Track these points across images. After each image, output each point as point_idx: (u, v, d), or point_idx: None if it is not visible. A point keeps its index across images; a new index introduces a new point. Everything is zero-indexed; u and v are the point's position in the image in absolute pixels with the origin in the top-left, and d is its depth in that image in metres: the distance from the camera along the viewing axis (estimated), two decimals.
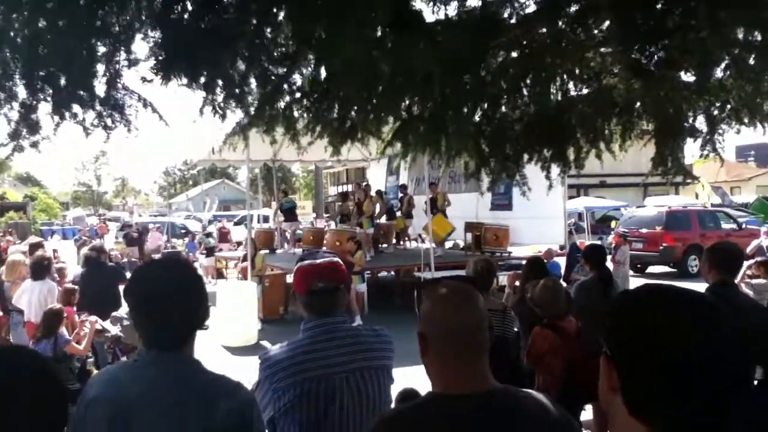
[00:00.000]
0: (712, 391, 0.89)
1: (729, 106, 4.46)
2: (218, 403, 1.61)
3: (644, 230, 16.92)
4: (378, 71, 3.33)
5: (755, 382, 2.22)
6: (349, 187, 24.27)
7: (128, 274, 9.38)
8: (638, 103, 4.64)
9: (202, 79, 3.48)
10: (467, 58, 3.35)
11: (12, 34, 3.12)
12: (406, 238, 16.03)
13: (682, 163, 5.11)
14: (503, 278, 7.88)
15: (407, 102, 4.15)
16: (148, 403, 1.57)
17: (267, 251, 14.07)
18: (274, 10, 3.37)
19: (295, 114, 4.09)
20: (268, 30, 3.46)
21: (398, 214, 15.11)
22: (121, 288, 6.81)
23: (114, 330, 6.39)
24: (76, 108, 3.43)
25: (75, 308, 6.50)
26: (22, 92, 3.31)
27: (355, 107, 4.07)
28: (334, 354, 2.03)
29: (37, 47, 3.08)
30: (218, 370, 1.74)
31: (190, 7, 3.27)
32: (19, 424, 1.13)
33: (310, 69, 3.67)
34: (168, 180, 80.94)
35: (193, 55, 3.22)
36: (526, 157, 5.08)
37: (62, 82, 3.29)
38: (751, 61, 3.61)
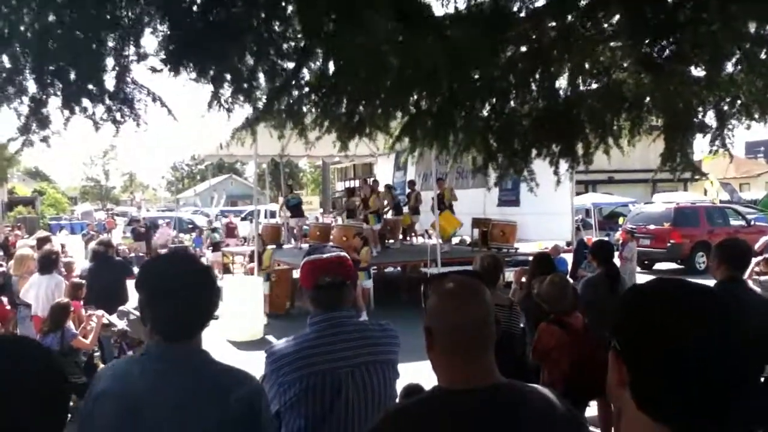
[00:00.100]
0: (718, 387, 0.89)
1: (739, 102, 4.42)
2: (229, 394, 1.61)
3: (652, 227, 16.83)
4: (386, 65, 3.32)
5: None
6: (356, 183, 24.28)
7: (135, 269, 9.44)
8: (648, 98, 4.60)
9: (211, 73, 3.49)
10: (476, 52, 3.33)
11: (22, 28, 3.12)
12: (413, 234, 16.03)
13: (690, 159, 5.07)
14: (510, 274, 7.85)
15: (415, 97, 4.15)
16: (157, 397, 1.57)
17: (274, 246, 14.11)
18: (283, 4, 3.37)
19: (304, 109, 4.09)
20: (277, 24, 3.46)
21: (405, 209, 15.11)
22: (129, 283, 6.85)
23: (120, 324, 6.43)
24: (86, 102, 3.44)
25: (82, 302, 6.55)
26: (32, 87, 3.32)
27: (364, 102, 4.07)
28: (340, 348, 2.03)
29: (47, 41, 3.09)
30: None
31: (198, 0, 3.28)
32: (21, 414, 1.13)
33: (318, 63, 3.67)
34: (176, 175, 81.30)
35: (201, 48, 3.23)
36: (534, 152, 5.06)
37: (72, 76, 3.29)
38: (763, 56, 3.58)
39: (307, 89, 3.91)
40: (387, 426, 1.46)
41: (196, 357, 1.68)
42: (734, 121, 4.58)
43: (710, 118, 4.66)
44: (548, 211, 12.10)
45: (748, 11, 3.03)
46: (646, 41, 3.24)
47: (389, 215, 14.78)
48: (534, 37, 4.11)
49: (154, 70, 3.33)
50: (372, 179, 16.34)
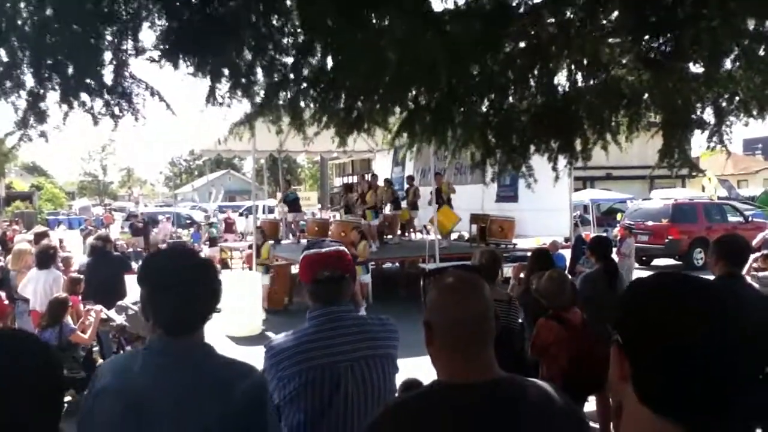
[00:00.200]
0: (718, 382, 0.89)
1: (737, 98, 4.43)
2: (233, 387, 1.61)
3: (650, 223, 16.85)
4: (385, 61, 3.31)
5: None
6: (354, 179, 24.27)
7: (133, 264, 9.39)
8: (646, 95, 4.61)
9: (209, 68, 3.48)
10: (476, 47, 3.33)
11: (19, 22, 3.11)
12: (411, 230, 16.04)
13: (688, 155, 5.08)
14: (508, 270, 7.86)
15: (414, 92, 4.14)
16: (158, 393, 1.56)
17: (272, 242, 14.11)
18: None
19: (302, 104, 4.09)
20: (276, 18, 3.45)
21: (403, 205, 15.11)
22: (127, 278, 6.85)
23: (119, 319, 6.43)
24: (84, 96, 3.43)
25: (80, 297, 6.54)
26: (29, 81, 3.31)
27: (362, 97, 4.06)
28: (339, 342, 2.03)
29: (45, 35, 3.08)
30: None
31: None
32: (20, 410, 1.13)
33: (317, 58, 3.66)
34: (174, 170, 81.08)
35: (200, 43, 3.22)
36: (532, 148, 5.06)
37: (70, 70, 3.28)
38: (761, 53, 3.59)
39: (305, 84, 3.91)
40: (386, 420, 1.46)
41: (198, 351, 1.67)
42: (732, 118, 4.59)
43: (708, 115, 4.67)
44: (546, 207, 12.10)
45: (747, 8, 3.03)
46: (645, 38, 3.24)
47: (387, 210, 14.78)
48: (533, 33, 4.11)
49: (152, 60, 3.33)
50: (370, 175, 16.32)
